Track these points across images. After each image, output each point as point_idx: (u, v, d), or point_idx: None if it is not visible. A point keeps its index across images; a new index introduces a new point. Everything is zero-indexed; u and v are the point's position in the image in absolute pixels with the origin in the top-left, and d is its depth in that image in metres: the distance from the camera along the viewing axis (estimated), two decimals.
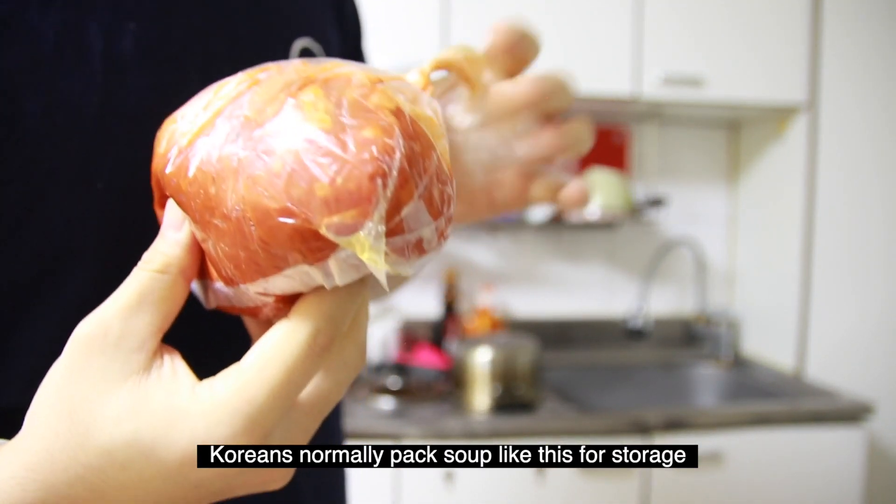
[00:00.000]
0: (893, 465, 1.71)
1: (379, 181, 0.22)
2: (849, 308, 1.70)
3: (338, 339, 0.26)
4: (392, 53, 1.52)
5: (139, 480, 0.24)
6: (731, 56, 1.65)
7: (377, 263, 0.22)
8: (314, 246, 0.22)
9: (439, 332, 1.78)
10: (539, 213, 1.74)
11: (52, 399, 0.24)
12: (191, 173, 0.25)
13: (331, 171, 0.22)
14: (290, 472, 0.27)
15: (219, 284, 0.27)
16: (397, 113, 0.24)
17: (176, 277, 0.26)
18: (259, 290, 0.25)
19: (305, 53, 0.43)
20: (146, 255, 0.27)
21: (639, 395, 1.79)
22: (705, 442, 1.40)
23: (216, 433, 0.23)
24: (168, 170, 0.26)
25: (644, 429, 1.37)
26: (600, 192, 1.73)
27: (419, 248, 0.24)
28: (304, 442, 0.26)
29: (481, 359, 1.43)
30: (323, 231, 0.22)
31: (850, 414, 1.46)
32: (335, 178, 0.22)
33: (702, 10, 1.64)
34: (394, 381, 1.51)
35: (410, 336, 1.79)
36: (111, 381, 0.24)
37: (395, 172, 0.22)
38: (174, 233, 0.27)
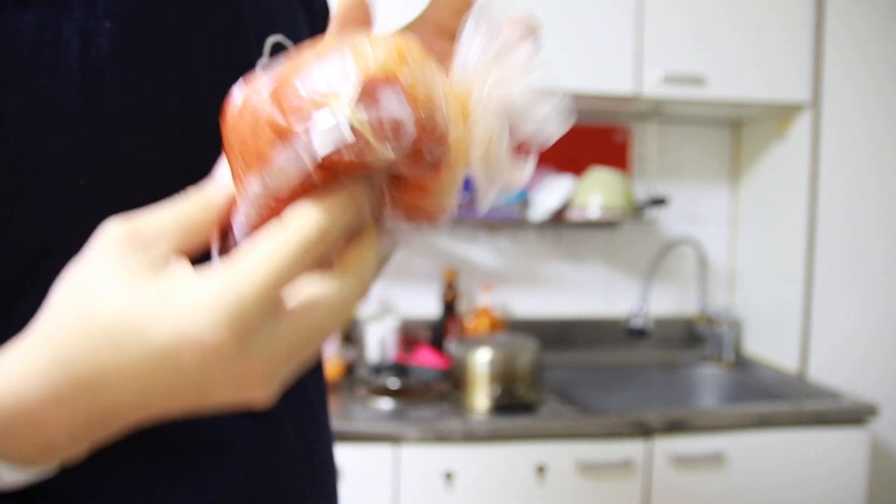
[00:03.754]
0: None
1: (350, 57, 0.25)
2: (851, 308, 1.69)
3: (336, 261, 0.28)
4: None
5: (132, 361, 0.25)
6: (732, 54, 1.64)
7: (353, 118, 0.24)
8: (293, 106, 0.25)
9: (439, 333, 1.77)
10: (539, 212, 1.73)
11: (71, 283, 0.26)
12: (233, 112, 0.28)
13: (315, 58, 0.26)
14: (272, 388, 0.27)
15: (239, 218, 0.28)
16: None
17: (212, 216, 0.29)
18: (259, 189, 0.27)
19: (277, 48, 0.44)
20: (192, 190, 0.29)
21: (640, 396, 1.78)
22: (707, 443, 1.39)
23: (199, 320, 0.24)
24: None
25: (645, 430, 1.36)
26: (601, 191, 1.72)
27: (396, 132, 0.26)
28: (286, 357, 0.26)
29: (481, 359, 1.42)
30: (297, 87, 0.25)
31: (853, 415, 1.45)
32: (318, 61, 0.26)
33: (703, 9, 1.63)
34: (393, 382, 1.50)
35: (410, 336, 1.78)
36: (126, 270, 0.26)
37: (370, 52, 0.25)
38: (221, 179, 0.29)
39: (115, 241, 0.26)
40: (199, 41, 0.39)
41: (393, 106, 0.25)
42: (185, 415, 0.28)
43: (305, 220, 0.26)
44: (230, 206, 0.29)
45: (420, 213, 0.31)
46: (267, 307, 0.25)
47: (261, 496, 0.42)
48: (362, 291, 0.28)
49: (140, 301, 0.25)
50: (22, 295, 0.33)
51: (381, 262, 0.33)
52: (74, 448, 0.27)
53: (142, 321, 0.25)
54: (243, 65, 0.42)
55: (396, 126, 0.25)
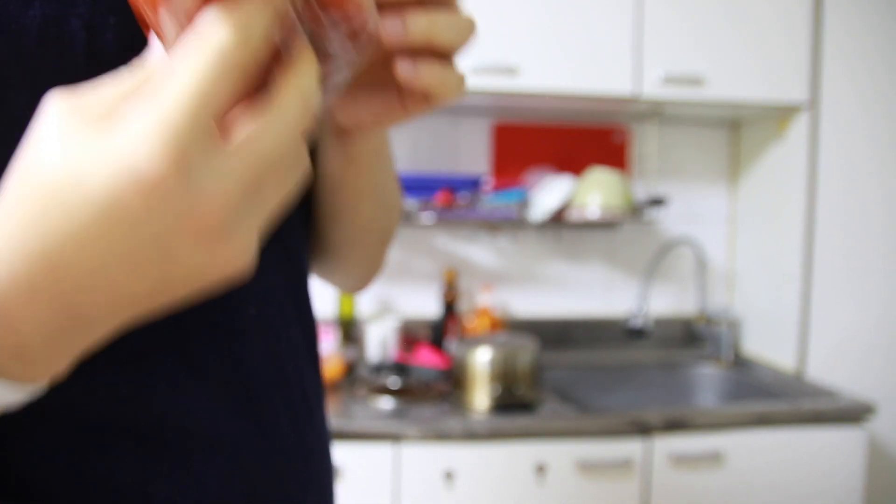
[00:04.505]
0: (894, 466, 1.71)
1: None
2: (849, 308, 1.69)
3: (272, 81, 0.25)
4: None
5: (80, 220, 0.23)
6: (731, 55, 1.64)
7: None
8: None
9: (439, 332, 1.77)
10: (539, 212, 1.74)
11: (19, 161, 0.25)
12: None
13: None
14: (241, 241, 0.25)
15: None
16: None
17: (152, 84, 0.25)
18: (168, 15, 0.24)
19: None
20: (133, 64, 0.27)
21: (639, 395, 1.79)
22: (706, 442, 1.40)
23: (134, 155, 0.22)
24: None
25: (644, 429, 1.37)
26: (600, 191, 1.73)
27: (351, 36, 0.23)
28: (241, 194, 0.24)
29: (481, 359, 1.43)
30: None
31: (851, 414, 1.46)
32: None
33: (703, 9, 1.63)
34: (393, 381, 1.51)
35: (410, 336, 1.78)
36: (70, 130, 0.24)
37: None
38: (156, 48, 0.27)
39: (60, 110, 0.24)
40: None
41: None
42: (165, 306, 0.25)
43: (217, 28, 0.23)
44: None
45: (339, 10, 0.27)
46: (202, 131, 0.23)
47: (256, 494, 0.41)
48: (306, 109, 0.26)
49: (81, 153, 0.23)
50: None
51: (325, 82, 0.30)
52: (50, 352, 0.25)
53: (82, 171, 0.23)
54: None
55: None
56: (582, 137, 1.92)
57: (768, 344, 1.83)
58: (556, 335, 1.92)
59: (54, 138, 0.24)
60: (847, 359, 1.69)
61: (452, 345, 1.59)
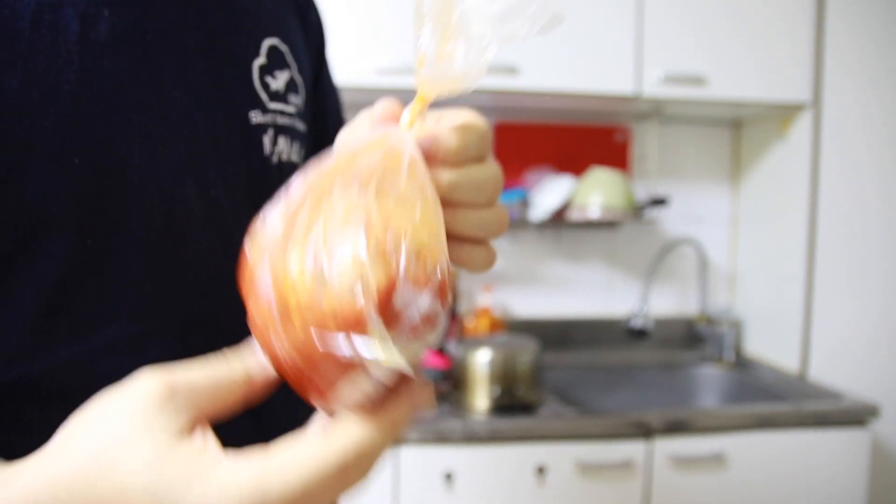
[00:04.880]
0: None
1: (363, 305, 0.25)
2: (852, 308, 1.68)
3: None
4: (392, 53, 1.50)
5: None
6: (733, 54, 1.63)
7: (394, 359, 0.26)
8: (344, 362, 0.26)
9: None
10: (540, 212, 1.73)
11: (95, 424, 0.26)
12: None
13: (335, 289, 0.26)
14: None
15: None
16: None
17: (245, 388, 0.28)
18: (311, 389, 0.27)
19: (273, 51, 0.46)
20: (235, 353, 0.29)
21: (640, 397, 1.78)
22: (708, 444, 1.39)
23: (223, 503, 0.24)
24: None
25: (645, 430, 1.36)
26: (601, 191, 1.72)
27: (427, 323, 0.27)
28: None
29: (481, 359, 1.42)
30: (342, 347, 0.25)
31: (854, 416, 1.45)
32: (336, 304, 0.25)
33: (704, 9, 1.62)
34: None
35: None
36: (150, 430, 0.25)
37: (373, 290, 0.25)
38: (259, 354, 0.29)
39: (150, 396, 0.25)
40: (194, 35, 0.40)
41: (425, 305, 0.27)
42: None
43: (350, 438, 0.26)
44: (265, 381, 0.29)
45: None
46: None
47: None
48: (392, 440, 0.28)
49: (164, 473, 0.24)
50: (11, 274, 0.33)
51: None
52: None
53: (160, 492, 0.24)
54: (238, 61, 0.43)
55: (432, 317, 0.27)
56: (582, 137, 1.91)
57: (770, 344, 1.82)
58: (557, 336, 1.91)
59: (141, 438, 0.25)
60: (850, 359, 1.68)
61: (452, 345, 1.58)
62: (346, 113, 1.96)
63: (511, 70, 1.54)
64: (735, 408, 1.49)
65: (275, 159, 0.46)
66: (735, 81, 1.64)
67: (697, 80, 1.61)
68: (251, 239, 0.28)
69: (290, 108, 0.48)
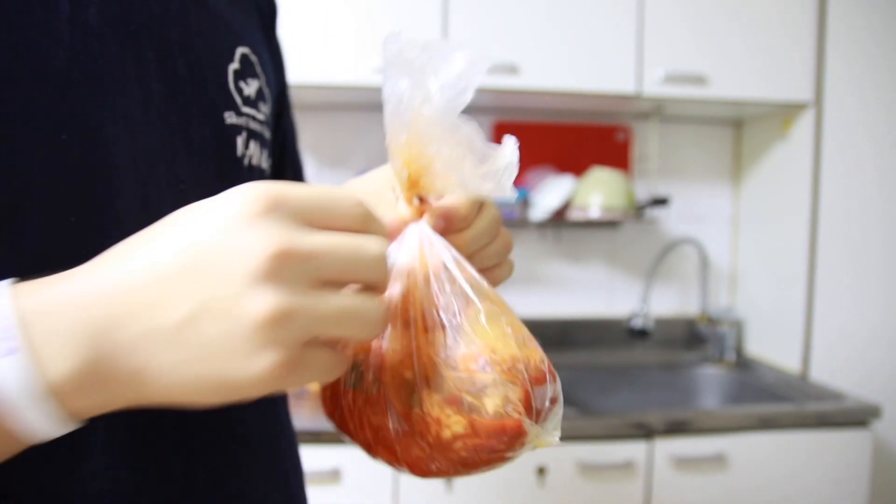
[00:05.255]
0: None
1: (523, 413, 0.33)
2: (854, 308, 1.67)
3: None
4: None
5: (179, 227, 0.28)
6: (734, 53, 1.63)
7: (549, 441, 0.33)
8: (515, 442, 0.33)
9: None
10: (540, 212, 1.72)
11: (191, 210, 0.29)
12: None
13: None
14: (280, 330, 0.27)
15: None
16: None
17: (358, 222, 0.30)
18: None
19: (245, 59, 0.48)
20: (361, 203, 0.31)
21: (641, 397, 1.77)
22: (709, 444, 1.38)
23: (240, 189, 0.28)
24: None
25: (646, 431, 1.35)
26: (602, 191, 1.72)
27: (554, 402, 0.34)
28: (304, 294, 0.27)
29: None
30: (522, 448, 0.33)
31: (856, 416, 1.44)
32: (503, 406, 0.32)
33: (705, 7, 1.62)
34: None
35: None
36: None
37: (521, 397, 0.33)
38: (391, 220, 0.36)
39: (255, 198, 0.27)
40: (176, 31, 0.41)
41: (544, 397, 0.34)
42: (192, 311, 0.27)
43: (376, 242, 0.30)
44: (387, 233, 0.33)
45: None
46: (303, 211, 0.28)
47: (220, 480, 0.42)
48: (384, 324, 0.31)
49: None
50: None
51: None
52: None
53: (197, 206, 0.29)
54: (215, 62, 0.45)
55: (556, 396, 0.34)
56: (583, 136, 1.90)
57: (772, 345, 1.81)
58: (557, 336, 1.90)
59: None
60: (851, 359, 1.67)
61: None
62: (345, 113, 1.94)
63: (511, 69, 1.54)
64: (736, 408, 1.48)
65: (245, 162, 0.47)
66: (736, 81, 1.63)
67: (698, 80, 1.61)
68: (351, 395, 0.34)
69: (260, 116, 0.49)
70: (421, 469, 0.34)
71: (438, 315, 0.33)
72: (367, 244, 0.29)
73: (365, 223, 0.30)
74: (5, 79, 0.32)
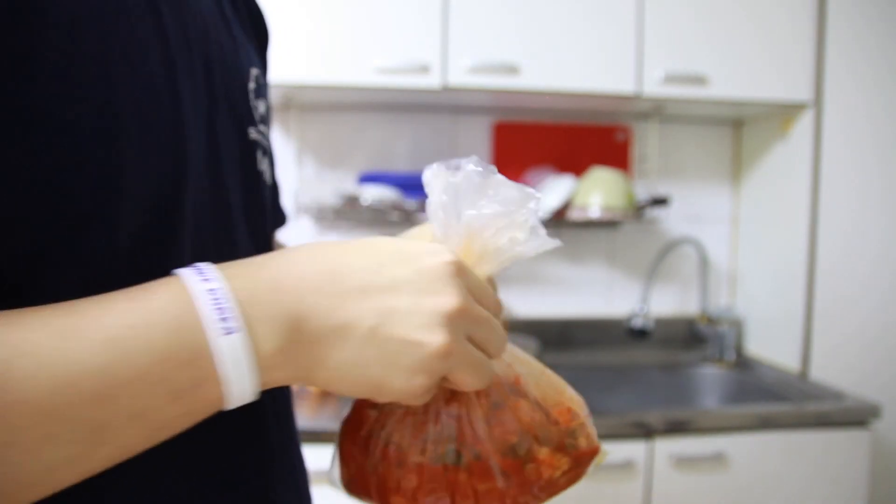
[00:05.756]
0: None
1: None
2: (854, 308, 1.68)
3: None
4: (391, 53, 1.50)
5: (372, 262, 0.36)
6: (734, 53, 1.63)
7: (608, 452, 0.46)
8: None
9: None
10: (540, 212, 1.72)
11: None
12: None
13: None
14: (451, 335, 0.36)
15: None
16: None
17: (495, 315, 0.40)
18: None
19: (258, 80, 0.50)
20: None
21: (641, 397, 1.77)
22: (709, 444, 1.38)
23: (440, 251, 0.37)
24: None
25: (646, 431, 1.36)
26: (602, 190, 1.72)
27: (592, 423, 0.46)
28: (472, 319, 0.37)
29: None
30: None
31: (856, 416, 1.44)
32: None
33: (705, 7, 1.62)
34: None
35: None
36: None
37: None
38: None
39: (445, 266, 0.36)
40: (213, 49, 0.43)
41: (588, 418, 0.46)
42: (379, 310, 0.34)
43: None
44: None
45: None
46: (472, 287, 0.38)
47: (252, 483, 0.43)
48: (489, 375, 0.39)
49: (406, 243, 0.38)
50: (85, 235, 0.32)
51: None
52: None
53: (396, 240, 0.39)
54: (240, 80, 0.47)
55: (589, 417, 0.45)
56: (583, 136, 1.90)
57: (771, 344, 1.81)
58: (557, 336, 1.90)
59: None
60: (851, 359, 1.67)
61: None
62: (345, 113, 1.94)
63: (511, 69, 1.54)
64: (736, 408, 1.48)
65: (264, 177, 0.49)
66: (736, 81, 1.63)
67: (698, 80, 1.61)
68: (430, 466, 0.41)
69: (269, 134, 0.51)
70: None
71: (520, 388, 0.43)
72: (500, 327, 0.39)
73: (498, 310, 0.40)
74: (113, 85, 0.33)
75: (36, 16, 0.30)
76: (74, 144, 0.31)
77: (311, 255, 0.35)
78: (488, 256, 0.40)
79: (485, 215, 0.39)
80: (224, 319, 0.30)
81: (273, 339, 0.32)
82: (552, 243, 0.40)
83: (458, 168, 0.40)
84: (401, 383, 0.35)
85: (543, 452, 0.41)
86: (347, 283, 0.34)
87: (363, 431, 0.42)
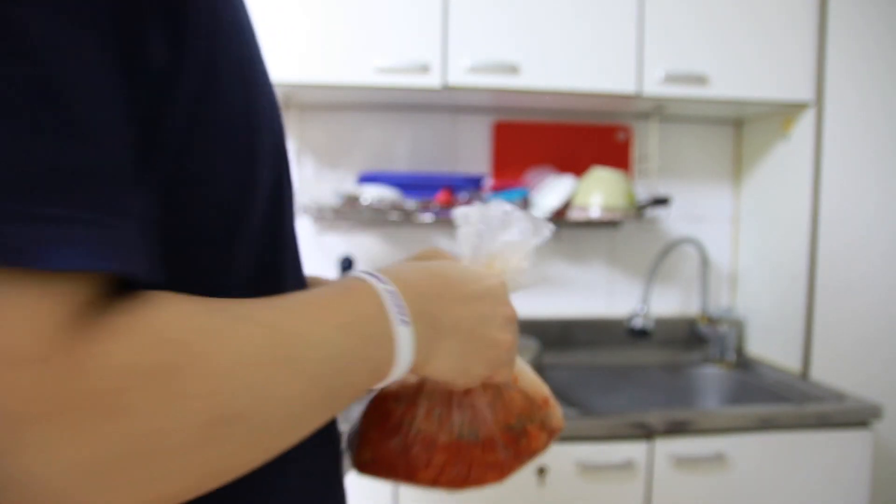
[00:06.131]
0: None
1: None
2: (855, 308, 1.67)
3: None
4: (391, 52, 1.50)
5: (463, 277, 0.46)
6: (735, 53, 1.63)
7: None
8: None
9: None
10: (540, 212, 1.72)
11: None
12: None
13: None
14: (510, 363, 0.50)
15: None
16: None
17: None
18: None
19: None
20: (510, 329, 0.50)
21: (641, 397, 1.77)
22: (709, 445, 1.38)
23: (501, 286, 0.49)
24: None
25: (647, 431, 1.35)
26: (602, 190, 1.71)
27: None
28: (512, 358, 0.49)
29: None
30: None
31: (857, 416, 1.44)
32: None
33: (705, 6, 1.62)
34: None
35: None
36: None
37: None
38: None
39: (503, 281, 0.51)
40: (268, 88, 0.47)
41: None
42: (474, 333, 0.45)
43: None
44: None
45: None
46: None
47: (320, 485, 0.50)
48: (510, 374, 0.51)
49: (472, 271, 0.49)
50: (236, 225, 0.39)
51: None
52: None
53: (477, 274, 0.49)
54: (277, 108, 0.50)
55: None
56: (583, 136, 1.90)
57: (772, 345, 1.81)
58: (557, 336, 1.90)
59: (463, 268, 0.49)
60: (852, 360, 1.67)
61: None
62: (345, 113, 1.93)
63: (511, 69, 1.54)
64: (737, 408, 1.48)
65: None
66: (737, 80, 1.63)
67: (699, 79, 1.60)
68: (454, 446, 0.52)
69: None
70: (505, 476, 0.53)
71: (514, 382, 0.55)
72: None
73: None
74: (258, 129, 0.40)
75: (217, 24, 0.35)
76: (238, 159, 0.38)
77: (418, 267, 0.44)
78: (506, 275, 0.53)
79: (505, 242, 0.51)
80: (402, 314, 0.39)
81: (424, 332, 0.41)
82: (542, 275, 0.52)
83: (483, 207, 0.53)
84: (479, 370, 0.46)
85: (532, 429, 0.54)
86: (455, 292, 0.44)
87: (391, 421, 0.52)
